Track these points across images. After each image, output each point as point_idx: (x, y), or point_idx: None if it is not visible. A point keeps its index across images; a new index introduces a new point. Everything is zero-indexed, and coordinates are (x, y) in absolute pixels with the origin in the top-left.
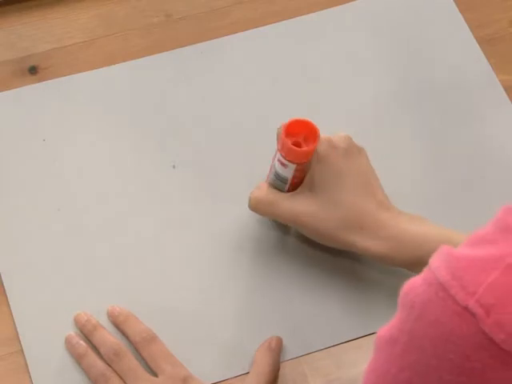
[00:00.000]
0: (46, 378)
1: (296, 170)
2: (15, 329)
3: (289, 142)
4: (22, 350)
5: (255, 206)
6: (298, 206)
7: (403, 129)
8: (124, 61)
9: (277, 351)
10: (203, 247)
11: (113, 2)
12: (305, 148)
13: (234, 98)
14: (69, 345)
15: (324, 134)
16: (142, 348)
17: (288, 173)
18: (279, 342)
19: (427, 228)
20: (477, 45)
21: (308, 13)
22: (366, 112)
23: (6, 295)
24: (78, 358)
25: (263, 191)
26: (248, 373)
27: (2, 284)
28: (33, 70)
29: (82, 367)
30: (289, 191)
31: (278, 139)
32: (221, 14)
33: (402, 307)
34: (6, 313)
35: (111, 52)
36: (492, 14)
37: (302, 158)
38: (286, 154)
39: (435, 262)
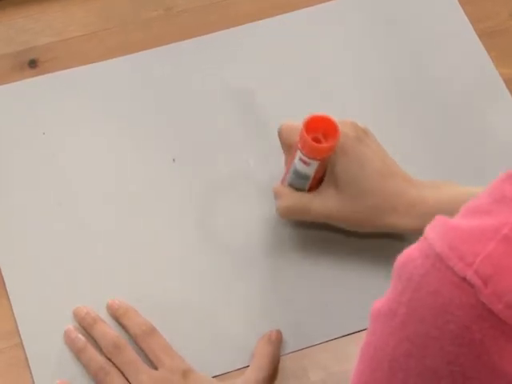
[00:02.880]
0: (46, 372)
1: (318, 166)
2: (15, 322)
3: (310, 139)
4: (21, 344)
5: (286, 216)
6: (329, 205)
7: (403, 122)
8: (124, 54)
9: (276, 344)
10: (204, 242)
11: None
12: (327, 144)
13: (233, 90)
14: (68, 339)
15: None
16: (141, 341)
17: (310, 170)
18: (279, 335)
19: (454, 191)
20: (477, 38)
21: (308, 6)
22: (366, 103)
23: (5, 289)
24: (77, 353)
25: (289, 198)
26: (248, 366)
27: (2, 278)
28: (32, 64)
29: (82, 361)
30: (311, 188)
31: (280, 139)
32: (220, 8)
33: (397, 280)
34: (6, 306)
35: (111, 45)
36: (492, 6)
37: (325, 154)
38: (309, 151)
39: (431, 233)
